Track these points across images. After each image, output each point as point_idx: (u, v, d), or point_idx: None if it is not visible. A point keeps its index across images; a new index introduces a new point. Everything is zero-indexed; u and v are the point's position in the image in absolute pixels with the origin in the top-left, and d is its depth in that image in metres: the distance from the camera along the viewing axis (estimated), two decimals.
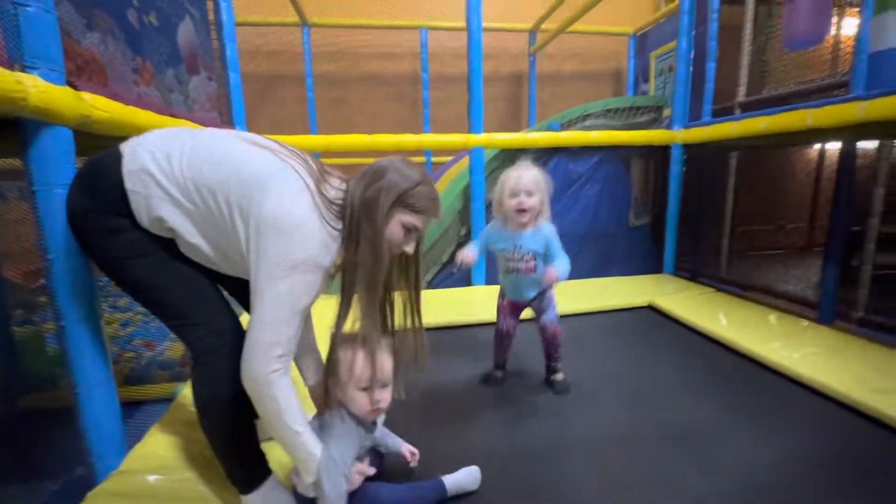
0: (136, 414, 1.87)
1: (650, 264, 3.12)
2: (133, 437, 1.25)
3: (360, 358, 0.93)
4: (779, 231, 3.69)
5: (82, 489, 1.04)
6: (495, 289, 2.68)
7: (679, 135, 2.83)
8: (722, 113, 2.86)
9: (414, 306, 1.05)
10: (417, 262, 1.05)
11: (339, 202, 0.91)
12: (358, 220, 0.89)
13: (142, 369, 2.24)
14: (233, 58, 2.35)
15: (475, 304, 2.47)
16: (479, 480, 1.10)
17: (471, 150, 2.61)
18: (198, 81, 1.98)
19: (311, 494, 0.95)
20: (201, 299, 0.96)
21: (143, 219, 0.89)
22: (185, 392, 1.54)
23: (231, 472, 0.99)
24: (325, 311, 1.01)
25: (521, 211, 1.44)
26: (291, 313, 0.86)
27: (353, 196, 0.90)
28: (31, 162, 0.97)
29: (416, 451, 1.14)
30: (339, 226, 0.90)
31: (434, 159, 4.17)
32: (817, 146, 3.31)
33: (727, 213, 3.11)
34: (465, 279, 2.83)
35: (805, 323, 2.08)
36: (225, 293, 1.04)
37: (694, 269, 3.10)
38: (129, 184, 0.87)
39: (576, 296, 2.52)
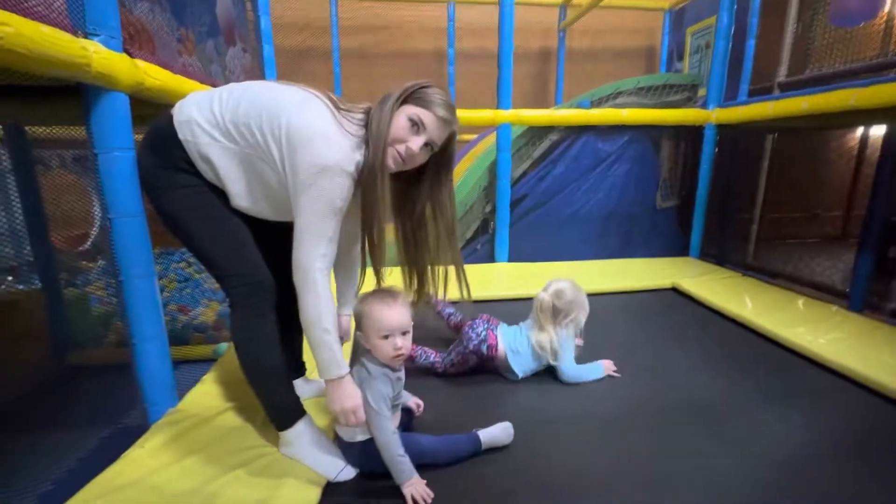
0: (176, 372, 2.00)
1: (675, 247, 3.09)
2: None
3: (379, 309, 1.00)
4: (811, 220, 3.58)
5: (131, 436, 1.14)
6: (518, 265, 2.73)
7: (713, 114, 2.76)
8: (758, 94, 2.76)
9: (450, 240, 1.12)
10: (451, 192, 1.09)
11: (360, 115, 0.98)
12: (371, 119, 0.96)
13: (178, 332, 2.36)
14: (267, 30, 2.37)
15: (498, 280, 2.51)
16: (511, 436, 1.16)
17: (498, 127, 2.60)
18: (234, 53, 2.02)
19: (357, 438, 1.03)
20: (242, 254, 1.06)
21: (200, 164, 0.99)
22: (231, 351, 1.64)
23: (269, 411, 1.09)
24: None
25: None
26: (327, 214, 0.92)
27: (374, 106, 0.98)
28: (93, 126, 1.03)
29: (421, 402, 1.25)
30: (361, 132, 0.97)
31: (458, 137, 4.15)
32: (859, 131, 3.17)
33: (758, 199, 3.03)
34: (488, 256, 2.87)
35: (834, 309, 2.05)
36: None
37: (720, 254, 3.06)
38: (181, 134, 0.97)
39: (598, 276, 2.53)
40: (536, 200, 2.85)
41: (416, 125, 0.96)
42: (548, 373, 1.56)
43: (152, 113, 1.07)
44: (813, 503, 0.99)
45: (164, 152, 0.99)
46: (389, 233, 1.06)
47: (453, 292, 1.24)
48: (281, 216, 1.06)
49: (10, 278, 2.31)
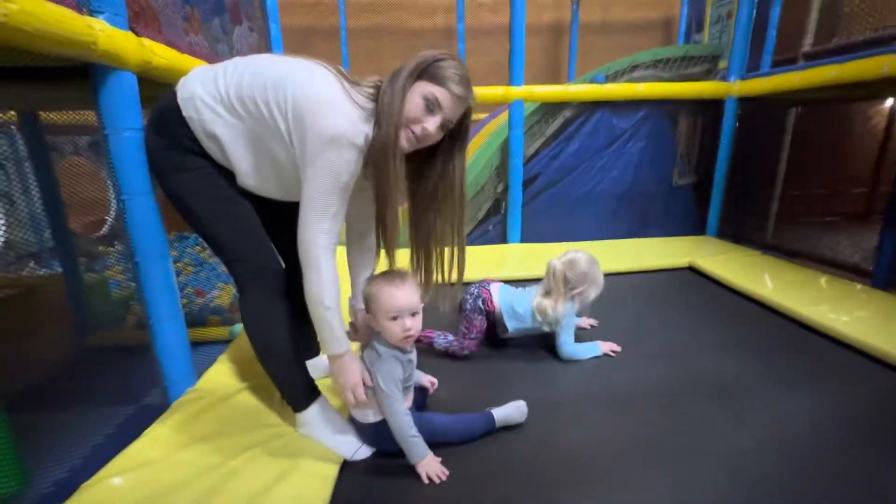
0: (194, 353, 2.04)
1: (691, 226, 3.02)
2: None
3: (387, 290, 0.99)
4: (834, 197, 3.46)
5: (152, 413, 1.17)
6: (531, 246, 2.70)
7: (735, 87, 2.65)
8: (781, 65, 2.64)
9: (458, 221, 1.07)
10: (462, 169, 1.04)
11: (372, 89, 0.94)
12: (383, 95, 0.91)
13: (196, 314, 2.40)
14: (273, 8, 2.32)
15: (510, 260, 2.48)
16: (525, 414, 1.16)
17: (510, 104, 2.54)
18: (240, 32, 1.99)
19: (370, 420, 1.04)
20: (249, 240, 1.04)
21: (206, 142, 0.97)
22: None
23: (284, 393, 1.11)
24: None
25: None
26: (331, 188, 0.90)
27: (385, 79, 0.93)
28: (102, 106, 1.03)
29: (435, 380, 1.25)
30: (371, 106, 0.93)
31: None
32: (888, 103, 3.03)
33: (778, 176, 2.93)
34: (500, 236, 2.84)
35: (858, 287, 1.99)
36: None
37: (738, 232, 2.98)
38: (185, 111, 0.95)
39: (613, 255, 2.49)
40: (549, 179, 2.80)
41: (431, 104, 0.91)
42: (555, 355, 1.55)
43: (159, 95, 1.05)
44: (831, 482, 0.98)
45: (169, 132, 0.97)
46: (403, 214, 1.04)
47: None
48: (289, 195, 1.04)
49: (32, 263, 2.37)
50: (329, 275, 0.93)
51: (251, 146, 0.97)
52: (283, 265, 1.09)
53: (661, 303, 2.03)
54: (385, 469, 1.02)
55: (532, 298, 1.51)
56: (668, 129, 2.91)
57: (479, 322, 1.50)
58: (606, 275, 2.28)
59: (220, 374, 1.31)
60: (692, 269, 2.39)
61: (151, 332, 1.16)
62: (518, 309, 1.50)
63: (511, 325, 1.50)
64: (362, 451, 1.05)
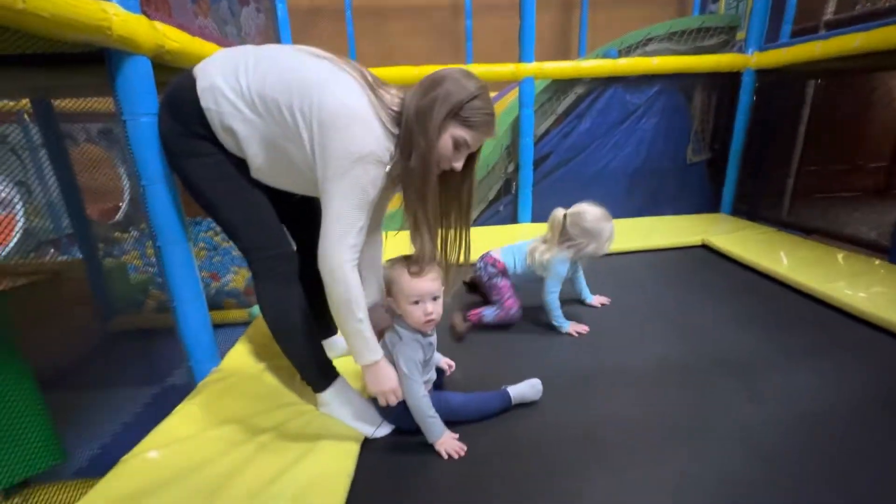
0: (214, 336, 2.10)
1: (705, 203, 2.98)
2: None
3: (409, 275, 0.99)
4: (853, 172, 3.37)
5: (178, 393, 1.21)
6: (542, 226, 2.68)
7: (753, 59, 2.57)
8: (801, 35, 2.55)
9: (463, 225, 1.07)
10: (472, 182, 1.05)
11: (396, 108, 0.93)
12: (411, 128, 0.90)
13: (212, 298, 2.45)
14: None
15: (521, 240, 2.48)
16: (540, 392, 1.19)
17: (521, 81, 2.50)
18: (248, 13, 1.96)
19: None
20: (264, 227, 1.05)
21: (221, 134, 0.96)
22: None
23: (303, 375, 1.13)
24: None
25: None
26: (359, 204, 0.91)
27: (409, 104, 0.91)
28: (118, 92, 1.03)
29: (452, 363, 1.27)
30: (396, 131, 0.92)
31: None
32: None
33: (796, 151, 2.86)
34: (511, 217, 2.83)
35: (876, 262, 1.97)
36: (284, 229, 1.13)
37: (753, 210, 2.94)
38: (204, 102, 0.93)
39: (625, 234, 2.47)
40: (561, 158, 2.77)
41: (461, 145, 0.93)
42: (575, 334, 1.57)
43: (170, 80, 1.05)
44: (847, 456, 0.99)
45: (184, 118, 0.96)
46: (397, 199, 1.04)
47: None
48: (301, 191, 1.05)
49: (52, 250, 2.42)
50: (358, 289, 0.94)
51: (268, 145, 0.96)
52: (296, 248, 1.10)
53: (674, 280, 2.02)
54: (405, 445, 1.05)
55: (529, 243, 1.57)
56: (682, 105, 2.85)
57: (503, 282, 1.56)
58: (618, 254, 2.30)
59: (243, 355, 1.35)
60: (705, 247, 2.37)
61: (175, 315, 1.19)
62: (517, 255, 1.57)
63: (511, 270, 1.56)
64: (382, 429, 1.08)
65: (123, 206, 2.88)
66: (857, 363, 1.33)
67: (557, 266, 1.51)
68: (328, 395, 1.10)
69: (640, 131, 2.77)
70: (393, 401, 1.02)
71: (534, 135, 2.60)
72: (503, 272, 1.58)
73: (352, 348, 1.00)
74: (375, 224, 1.20)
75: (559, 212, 1.52)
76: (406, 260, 1.02)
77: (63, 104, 2.13)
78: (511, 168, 2.76)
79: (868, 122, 3.20)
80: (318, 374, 1.11)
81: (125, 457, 0.94)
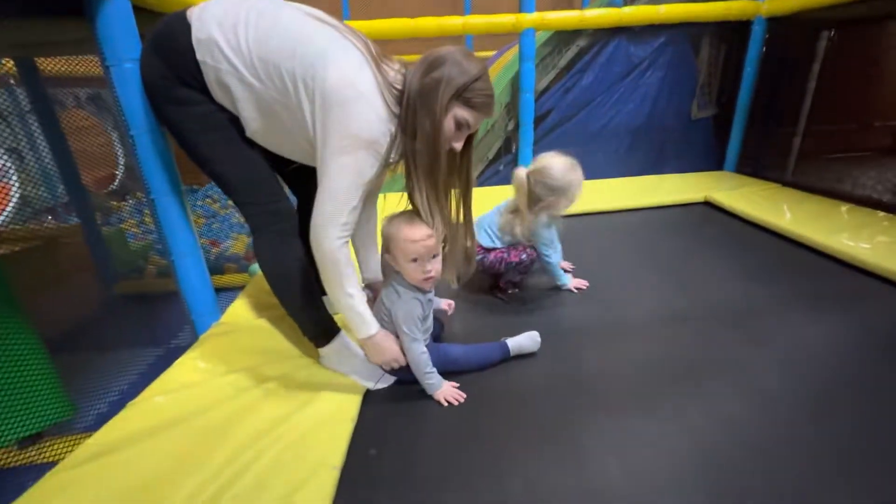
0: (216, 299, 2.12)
1: (710, 161, 2.92)
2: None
3: (407, 232, 0.97)
4: (864, 130, 3.28)
5: (182, 353, 1.20)
6: None
7: (764, 5, 2.46)
8: None
9: (464, 203, 1.05)
10: (469, 160, 1.04)
11: (398, 87, 0.90)
12: (415, 109, 0.88)
13: (212, 263, 2.45)
14: None
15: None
16: (538, 343, 1.20)
17: (521, 34, 2.40)
18: None
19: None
20: (260, 181, 1.02)
21: (215, 89, 0.91)
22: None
23: (304, 330, 1.13)
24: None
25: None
26: (354, 185, 0.89)
27: (412, 83, 0.88)
28: (100, 36, 0.99)
29: (452, 302, 1.27)
30: (397, 110, 0.90)
31: (476, 55, 3.89)
32: None
33: (804, 108, 2.78)
34: (510, 177, 2.79)
35: (880, 214, 1.94)
36: (282, 182, 1.10)
37: (757, 169, 2.88)
38: (200, 54, 0.88)
39: (626, 193, 2.45)
40: (562, 114, 2.70)
41: (463, 126, 0.91)
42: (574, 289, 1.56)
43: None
44: (849, 399, 1.00)
45: (174, 63, 0.90)
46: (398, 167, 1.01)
47: None
48: (299, 160, 1.02)
49: (49, 219, 2.41)
50: (347, 267, 0.93)
51: (265, 111, 0.92)
52: (297, 204, 1.08)
53: (675, 236, 2.01)
54: (406, 393, 1.07)
55: (499, 214, 1.46)
56: (689, 57, 2.74)
57: (493, 257, 1.48)
58: (620, 211, 2.28)
59: (243, 308, 1.35)
60: (708, 204, 2.35)
61: (173, 268, 1.19)
62: (490, 230, 1.46)
63: (490, 245, 1.45)
64: (383, 382, 1.10)
65: (119, 174, 2.85)
66: (857, 310, 1.33)
67: (542, 234, 1.44)
68: (329, 350, 1.11)
69: (644, 86, 2.69)
70: (396, 366, 1.04)
71: (535, 90, 2.52)
72: (487, 250, 1.47)
73: (348, 323, 1.01)
74: (371, 199, 1.18)
75: (521, 172, 1.40)
76: (405, 216, 1.00)
77: (48, 67, 2.06)
78: (511, 126, 2.70)
79: (883, 77, 3.08)
80: (318, 330, 1.11)
81: (132, 402, 0.96)
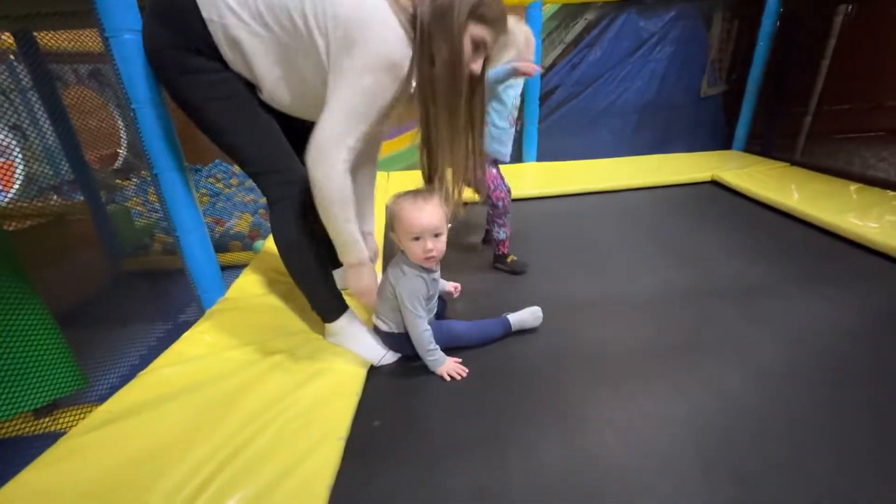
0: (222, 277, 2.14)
1: (718, 140, 2.88)
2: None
3: (410, 210, 0.97)
4: (877, 110, 3.19)
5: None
6: (547, 164, 2.63)
7: None
8: None
9: (478, 134, 1.02)
10: (483, 88, 1.00)
11: (411, 10, 0.86)
12: (430, 32, 0.84)
13: (217, 241, 2.47)
14: None
15: (525, 181, 2.43)
16: (540, 319, 1.20)
17: (528, 6, 2.33)
18: None
19: (395, 331, 1.08)
20: (275, 150, 0.99)
21: (226, 51, 0.89)
22: (268, 244, 1.70)
23: (313, 304, 1.12)
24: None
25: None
26: (367, 109, 0.86)
27: (423, 6, 0.84)
28: (98, 6, 0.97)
29: (457, 285, 1.28)
30: (412, 34, 0.86)
31: None
32: None
33: (817, 86, 2.70)
34: (514, 156, 2.75)
35: (890, 194, 1.92)
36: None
37: (765, 149, 2.83)
38: (205, 13, 0.85)
39: (632, 172, 2.42)
40: (568, 92, 2.65)
41: (480, 46, 0.88)
42: (574, 260, 1.56)
43: None
44: (851, 375, 1.01)
45: (181, 28, 0.87)
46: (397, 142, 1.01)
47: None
48: (310, 115, 0.97)
49: (55, 197, 2.41)
50: (346, 191, 0.91)
51: (279, 60, 0.90)
52: None
53: (681, 215, 1.99)
54: (410, 368, 1.09)
55: None
56: (700, 32, 2.67)
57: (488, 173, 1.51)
58: (625, 190, 2.26)
59: (248, 284, 1.37)
60: (715, 183, 2.32)
61: (178, 245, 1.20)
62: None
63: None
64: (388, 357, 1.11)
65: (122, 151, 2.84)
66: (862, 289, 1.33)
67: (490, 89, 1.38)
68: (336, 326, 1.11)
69: (652, 62, 2.63)
70: (368, 302, 1.04)
71: (541, 66, 2.47)
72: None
73: (339, 248, 0.99)
74: (372, 150, 1.15)
75: None
76: (409, 195, 0.99)
77: (48, 41, 2.03)
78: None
79: None
80: (328, 305, 1.11)
81: (141, 373, 0.99)
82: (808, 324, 1.19)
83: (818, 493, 0.74)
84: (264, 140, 0.98)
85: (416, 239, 0.98)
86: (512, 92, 1.44)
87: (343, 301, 1.13)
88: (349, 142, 0.87)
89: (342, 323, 1.11)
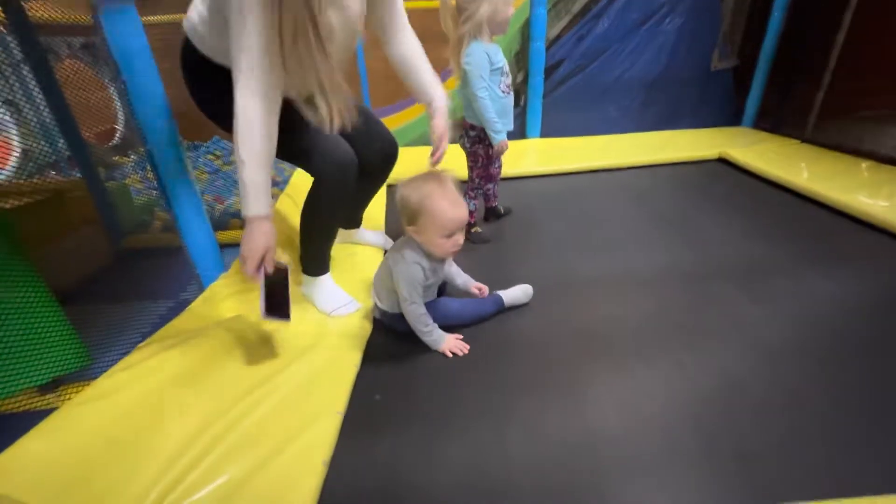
0: (223, 255, 2.13)
1: (727, 115, 2.81)
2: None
3: (445, 208, 0.94)
4: (892, 88, 3.09)
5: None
6: (551, 141, 2.58)
7: None
8: None
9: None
10: None
11: None
12: None
13: (217, 219, 2.45)
14: None
15: (528, 158, 2.39)
16: (530, 296, 1.20)
17: None
18: None
19: (395, 310, 1.08)
20: (321, 136, 1.01)
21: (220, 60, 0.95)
22: None
23: (304, 258, 1.22)
24: None
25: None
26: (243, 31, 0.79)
27: None
28: None
29: (482, 286, 1.23)
30: None
31: None
32: None
33: (831, 62, 2.61)
34: (518, 131, 2.70)
35: None
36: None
37: (775, 126, 2.76)
38: (200, 47, 0.95)
39: (639, 148, 2.37)
40: (574, 65, 2.57)
41: None
42: (573, 237, 1.54)
43: None
44: (854, 353, 1.00)
45: (201, 74, 0.97)
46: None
47: None
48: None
49: (52, 173, 2.39)
50: (244, 120, 0.81)
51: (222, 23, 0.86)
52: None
53: (687, 193, 1.96)
54: (409, 343, 1.08)
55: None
56: (713, 2, 2.57)
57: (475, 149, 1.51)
58: (630, 168, 2.22)
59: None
60: (722, 161, 2.27)
61: (176, 221, 1.18)
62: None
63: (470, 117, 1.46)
64: (341, 311, 1.17)
65: (119, 128, 2.80)
66: (871, 268, 1.31)
67: (475, 58, 1.30)
68: (313, 280, 1.22)
69: (662, 34, 2.54)
70: (248, 270, 0.89)
71: (546, 38, 2.39)
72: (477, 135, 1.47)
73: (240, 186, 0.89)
74: (391, 22, 1.08)
75: None
76: (436, 188, 0.94)
77: (39, 13, 1.97)
78: (520, 77, 2.58)
79: None
80: (316, 265, 1.22)
81: (138, 346, 0.99)
82: (813, 303, 1.17)
83: (817, 467, 0.74)
84: (306, 131, 1.01)
85: (449, 236, 0.96)
86: (501, 61, 1.38)
87: (327, 265, 1.24)
88: (240, 64, 0.80)
89: (320, 280, 1.22)
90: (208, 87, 0.98)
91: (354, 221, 1.52)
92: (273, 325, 1.08)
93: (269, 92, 0.83)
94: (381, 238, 1.56)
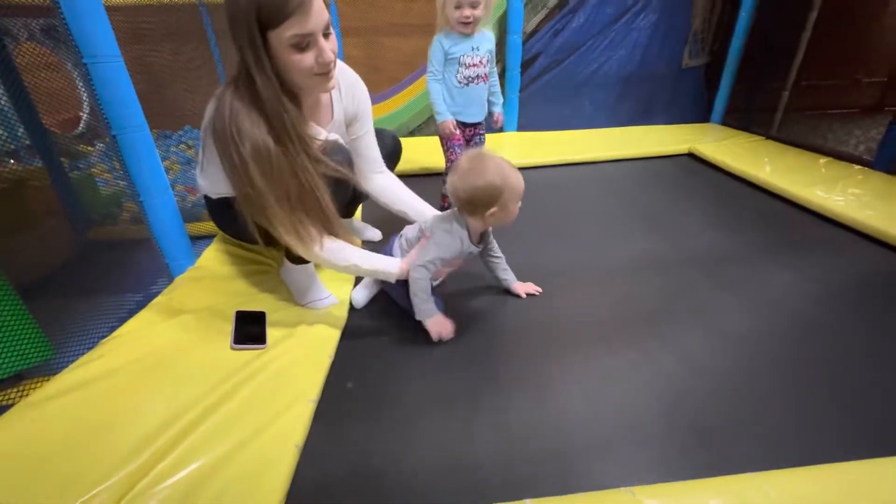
0: (194, 247, 2.08)
1: (698, 112, 2.89)
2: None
3: (517, 178, 1.00)
4: (852, 87, 3.23)
5: None
6: (527, 135, 2.61)
7: None
8: None
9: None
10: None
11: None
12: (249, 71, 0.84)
13: (189, 210, 2.39)
14: None
15: (504, 151, 2.41)
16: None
17: None
18: None
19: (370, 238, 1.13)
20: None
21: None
22: None
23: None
24: None
25: (466, 24, 1.42)
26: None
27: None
28: None
29: (534, 290, 1.24)
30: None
31: None
32: None
33: (796, 61, 2.71)
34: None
35: (856, 168, 1.98)
36: None
37: (743, 122, 2.86)
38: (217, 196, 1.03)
39: (612, 143, 2.42)
40: (550, 59, 2.60)
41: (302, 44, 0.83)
42: (549, 230, 1.57)
43: None
44: (811, 337, 1.05)
45: (227, 218, 1.01)
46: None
47: None
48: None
49: (11, 161, 2.28)
50: (331, 255, 0.97)
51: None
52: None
53: (657, 187, 2.02)
54: (385, 333, 1.10)
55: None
56: (684, 0, 2.63)
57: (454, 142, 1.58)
58: (602, 162, 2.26)
59: (218, 253, 1.34)
60: (691, 156, 2.35)
61: (143, 210, 1.15)
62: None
63: (479, 112, 1.59)
64: (317, 304, 1.15)
65: (84, 115, 2.69)
66: (825, 259, 1.38)
67: (431, 48, 1.48)
68: (293, 267, 1.15)
69: (636, 30, 2.59)
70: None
71: (522, 31, 2.41)
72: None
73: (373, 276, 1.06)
74: (367, 162, 1.18)
75: None
76: (503, 165, 1.00)
77: None
78: (498, 69, 2.59)
79: (878, 32, 3.00)
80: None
81: (103, 340, 0.97)
82: (773, 291, 1.23)
83: (773, 442, 0.79)
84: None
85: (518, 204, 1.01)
86: (460, 50, 1.47)
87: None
88: (282, 236, 0.91)
89: (300, 267, 1.16)
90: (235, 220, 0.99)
91: (349, 213, 1.52)
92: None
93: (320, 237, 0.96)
94: (363, 228, 1.56)
